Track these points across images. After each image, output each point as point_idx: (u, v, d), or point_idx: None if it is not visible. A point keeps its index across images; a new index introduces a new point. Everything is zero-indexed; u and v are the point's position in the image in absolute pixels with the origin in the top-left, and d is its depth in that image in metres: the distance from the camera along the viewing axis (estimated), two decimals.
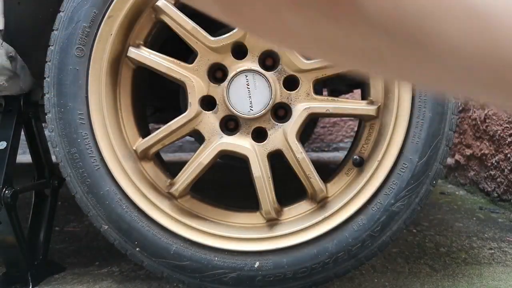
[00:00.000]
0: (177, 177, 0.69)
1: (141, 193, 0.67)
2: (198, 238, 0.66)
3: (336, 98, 0.69)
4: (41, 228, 0.82)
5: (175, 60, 0.68)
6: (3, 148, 0.74)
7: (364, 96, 0.75)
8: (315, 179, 0.66)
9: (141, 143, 0.69)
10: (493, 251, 0.96)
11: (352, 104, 0.69)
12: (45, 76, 0.68)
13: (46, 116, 0.68)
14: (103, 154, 0.66)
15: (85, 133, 0.67)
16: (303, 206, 0.69)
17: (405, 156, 0.65)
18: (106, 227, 0.66)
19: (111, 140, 0.67)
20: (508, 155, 1.32)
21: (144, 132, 0.74)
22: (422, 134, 0.66)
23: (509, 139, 1.32)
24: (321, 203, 0.69)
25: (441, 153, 0.66)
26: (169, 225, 0.66)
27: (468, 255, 0.93)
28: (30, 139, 0.84)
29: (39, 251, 0.81)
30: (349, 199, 0.66)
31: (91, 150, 0.66)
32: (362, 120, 0.71)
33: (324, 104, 0.67)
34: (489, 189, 1.44)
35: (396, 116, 0.67)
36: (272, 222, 0.68)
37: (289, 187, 0.81)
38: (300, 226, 0.66)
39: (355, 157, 0.68)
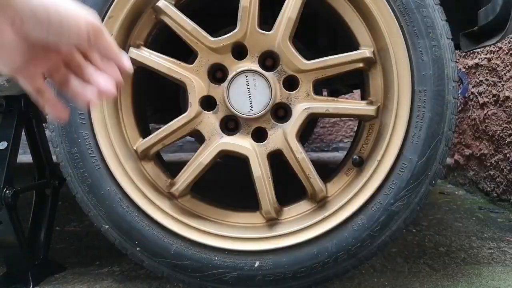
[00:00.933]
0: (177, 177, 0.69)
1: (142, 193, 0.67)
2: (198, 237, 0.66)
3: (335, 98, 0.69)
4: (41, 228, 0.82)
5: (176, 61, 0.68)
6: (4, 148, 0.74)
7: (364, 97, 0.75)
8: (315, 179, 0.67)
9: (141, 143, 0.69)
10: (492, 250, 0.96)
11: (351, 104, 0.69)
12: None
13: (47, 116, 0.68)
14: (103, 154, 0.66)
15: (86, 133, 0.67)
16: (303, 206, 0.70)
17: (405, 156, 0.66)
18: (107, 227, 0.66)
19: (112, 140, 0.67)
20: (508, 155, 1.32)
21: (145, 132, 0.74)
22: (422, 134, 0.66)
23: (508, 139, 1.32)
24: (321, 203, 0.69)
25: (441, 153, 0.66)
26: (169, 224, 0.66)
27: (468, 254, 0.93)
28: (31, 139, 0.84)
29: (39, 251, 0.81)
30: (348, 199, 0.66)
31: (91, 150, 0.66)
32: (362, 120, 0.71)
33: (324, 104, 0.68)
34: (488, 189, 1.44)
35: (396, 116, 0.67)
36: (272, 222, 0.69)
37: (289, 187, 0.81)
38: (300, 226, 0.66)
39: (354, 157, 0.68)
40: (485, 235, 1.08)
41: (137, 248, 0.66)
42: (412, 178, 0.65)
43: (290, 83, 0.69)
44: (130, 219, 0.66)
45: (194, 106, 0.68)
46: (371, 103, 0.70)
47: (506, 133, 1.32)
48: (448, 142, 0.66)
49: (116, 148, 0.67)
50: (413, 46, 0.66)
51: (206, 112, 0.69)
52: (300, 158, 0.66)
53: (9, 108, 0.78)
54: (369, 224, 0.65)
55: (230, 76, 0.67)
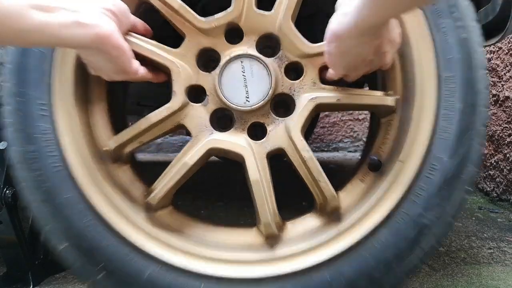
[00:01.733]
0: (156, 181, 0.48)
1: (111, 203, 0.47)
2: (180, 260, 0.45)
3: (347, 88, 0.49)
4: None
5: (160, 44, 0.49)
6: (4, 148, 0.65)
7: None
8: (326, 184, 0.47)
9: (113, 139, 0.48)
10: (492, 250, 0.84)
11: (367, 93, 0.48)
12: (4, 62, 0.48)
13: (2, 109, 0.47)
14: (65, 153, 0.46)
15: (47, 127, 0.46)
16: (310, 220, 0.50)
17: (434, 155, 0.46)
18: (65, 244, 0.45)
19: (77, 136, 0.47)
20: (507, 155, 1.17)
21: (122, 128, 0.53)
22: (452, 128, 0.46)
23: (508, 139, 1.16)
24: (333, 215, 0.48)
25: (474, 152, 0.46)
26: (144, 243, 0.45)
27: (467, 254, 0.81)
28: None
29: (40, 251, 0.71)
30: (367, 210, 0.47)
31: (51, 148, 0.46)
32: (378, 115, 0.51)
33: (334, 93, 0.47)
34: (488, 189, 1.29)
35: (420, 109, 0.47)
36: (273, 240, 0.48)
37: (290, 197, 0.61)
38: (308, 245, 0.46)
39: (371, 158, 0.48)
40: (485, 235, 0.94)
41: (102, 273, 0.44)
42: (445, 181, 0.45)
43: (294, 71, 0.51)
44: (93, 235, 0.45)
45: (178, 96, 0.48)
46: (387, 95, 0.49)
47: (506, 133, 1.15)
48: (481, 140, 0.46)
49: (81, 146, 0.47)
50: (436, 27, 0.47)
51: (194, 103, 0.50)
52: (307, 157, 0.47)
53: None
54: (394, 241, 0.44)
55: (222, 62, 0.49)
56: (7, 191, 0.63)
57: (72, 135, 0.46)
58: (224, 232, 0.50)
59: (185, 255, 0.45)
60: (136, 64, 0.43)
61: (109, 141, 0.48)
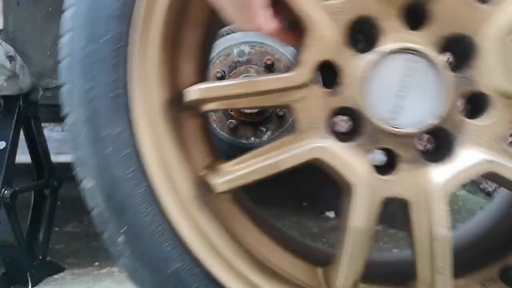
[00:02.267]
0: (232, 162, 0.35)
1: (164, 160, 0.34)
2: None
3: None
4: (40, 228, 0.74)
5: None
6: (2, 148, 0.66)
7: None
8: (445, 281, 0.33)
9: (191, 90, 0.34)
10: None
11: None
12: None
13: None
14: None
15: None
16: None
17: None
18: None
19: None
20: None
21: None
22: None
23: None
24: None
25: None
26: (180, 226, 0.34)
27: None
28: (29, 139, 0.75)
29: (38, 251, 0.73)
30: None
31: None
32: None
33: None
34: (490, 189, 1.31)
35: None
36: None
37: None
38: None
39: (509, 270, 0.36)
40: None
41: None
42: None
43: (473, 105, 0.34)
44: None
45: (306, 69, 0.33)
46: None
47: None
48: None
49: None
50: None
51: (317, 87, 0.34)
52: (439, 236, 0.33)
53: (8, 108, 0.69)
54: None
55: (386, 48, 0.32)
56: (6, 191, 0.63)
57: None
58: (279, 254, 0.37)
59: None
60: (263, 17, 0.30)
61: (187, 89, 0.33)
